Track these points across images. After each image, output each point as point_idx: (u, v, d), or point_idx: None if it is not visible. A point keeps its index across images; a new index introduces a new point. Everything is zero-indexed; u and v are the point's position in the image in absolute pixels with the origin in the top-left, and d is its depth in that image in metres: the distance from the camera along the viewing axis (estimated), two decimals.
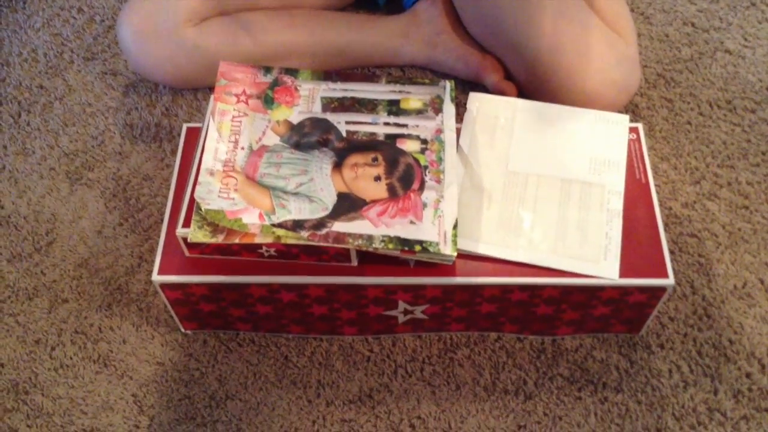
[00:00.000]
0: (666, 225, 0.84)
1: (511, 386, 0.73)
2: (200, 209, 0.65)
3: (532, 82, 0.88)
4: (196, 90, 0.97)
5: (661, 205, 0.85)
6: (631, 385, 0.73)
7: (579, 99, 0.83)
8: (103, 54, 1.03)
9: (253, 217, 0.65)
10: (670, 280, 0.67)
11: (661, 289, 0.68)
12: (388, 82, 0.74)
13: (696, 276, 0.80)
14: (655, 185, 0.87)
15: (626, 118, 0.75)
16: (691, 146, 0.91)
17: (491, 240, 0.68)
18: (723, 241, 0.83)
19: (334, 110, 0.72)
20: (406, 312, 0.72)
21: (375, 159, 0.69)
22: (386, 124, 0.71)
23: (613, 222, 0.69)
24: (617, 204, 0.70)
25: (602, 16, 0.88)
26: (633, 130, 0.77)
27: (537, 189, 0.71)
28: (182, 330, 0.77)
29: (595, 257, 0.67)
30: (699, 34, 1.02)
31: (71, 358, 0.76)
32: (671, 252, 0.82)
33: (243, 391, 0.74)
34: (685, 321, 0.77)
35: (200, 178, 0.66)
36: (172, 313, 0.73)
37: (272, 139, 0.70)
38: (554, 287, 0.68)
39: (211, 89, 0.97)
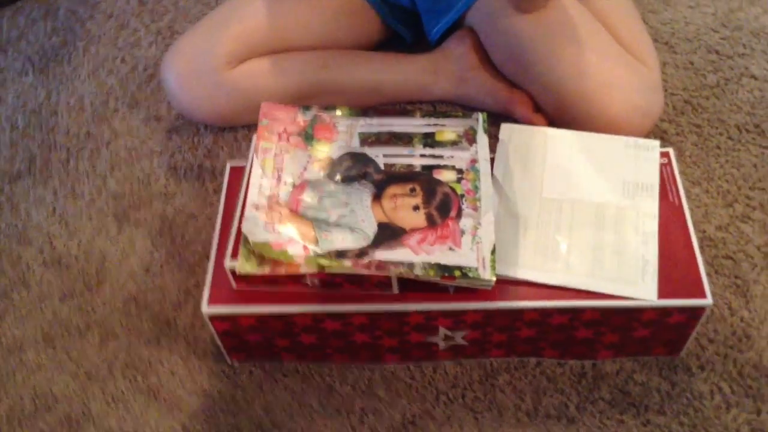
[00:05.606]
0: (701, 248, 0.84)
1: (554, 411, 0.74)
2: (247, 242, 0.67)
3: (559, 113, 0.90)
4: (236, 131, 1.01)
5: (695, 228, 0.86)
6: (673, 407, 0.73)
7: (603, 125, 0.85)
8: (146, 101, 1.08)
9: (298, 249, 0.67)
10: (708, 300, 0.68)
11: (700, 309, 0.69)
12: (423, 116, 0.77)
13: (733, 297, 0.80)
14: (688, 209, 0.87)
15: (657, 143, 0.77)
16: (722, 170, 0.92)
17: (529, 264, 0.70)
18: (759, 263, 0.83)
19: (372, 144, 0.75)
20: (446, 338, 0.73)
21: (413, 189, 0.71)
22: (422, 155, 0.74)
23: (648, 244, 0.70)
24: (652, 226, 0.71)
25: (623, 44, 0.90)
26: (664, 154, 0.78)
27: (572, 214, 0.73)
28: (229, 361, 0.79)
29: (633, 279, 0.69)
30: (724, 61, 1.04)
31: (122, 391, 0.79)
32: (707, 274, 0.82)
33: (288, 420, 0.75)
34: (725, 342, 0.77)
35: (246, 213, 0.69)
36: (220, 344, 0.76)
37: (313, 174, 0.73)
38: (594, 310, 0.69)
39: (249, 128, 1.01)
